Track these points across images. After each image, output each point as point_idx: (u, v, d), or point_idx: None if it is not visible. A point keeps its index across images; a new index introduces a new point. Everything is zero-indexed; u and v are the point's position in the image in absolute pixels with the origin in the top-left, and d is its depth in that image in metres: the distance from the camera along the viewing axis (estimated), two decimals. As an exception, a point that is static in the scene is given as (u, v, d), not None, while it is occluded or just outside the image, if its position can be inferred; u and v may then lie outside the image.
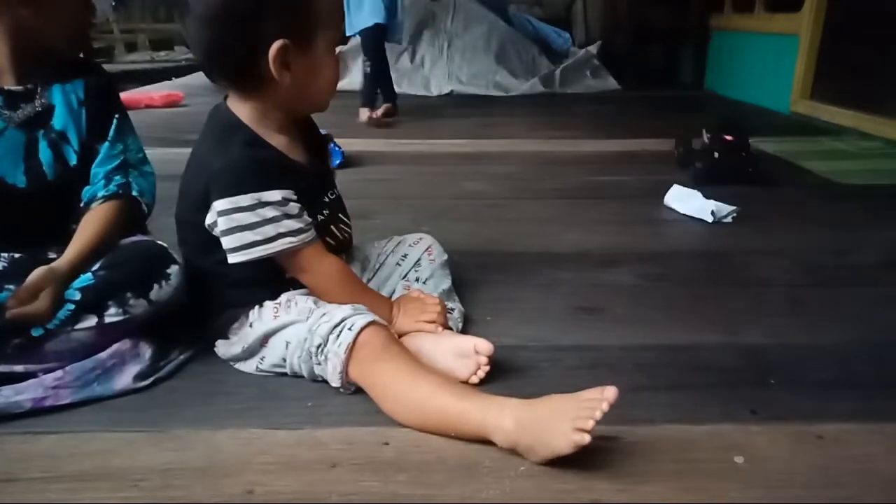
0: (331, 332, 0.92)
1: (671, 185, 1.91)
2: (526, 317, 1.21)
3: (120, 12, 9.33)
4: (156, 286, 1.02)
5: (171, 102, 3.91)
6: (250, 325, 1.01)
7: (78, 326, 0.96)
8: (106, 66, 1.22)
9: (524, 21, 5.28)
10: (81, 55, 1.26)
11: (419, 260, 1.21)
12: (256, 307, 1.02)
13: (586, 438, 0.75)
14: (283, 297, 1.02)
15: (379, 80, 3.24)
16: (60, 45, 1.08)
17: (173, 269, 1.05)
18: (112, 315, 0.98)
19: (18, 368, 0.94)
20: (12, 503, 0.76)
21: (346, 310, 0.94)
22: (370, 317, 0.93)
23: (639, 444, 0.84)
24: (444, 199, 2.02)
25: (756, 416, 0.91)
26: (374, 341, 0.91)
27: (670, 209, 1.86)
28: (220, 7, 0.92)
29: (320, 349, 0.93)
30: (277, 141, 1.02)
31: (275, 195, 0.96)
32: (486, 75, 4.63)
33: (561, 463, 0.79)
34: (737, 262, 1.51)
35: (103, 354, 0.98)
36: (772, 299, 1.31)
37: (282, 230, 0.97)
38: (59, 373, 0.94)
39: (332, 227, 1.09)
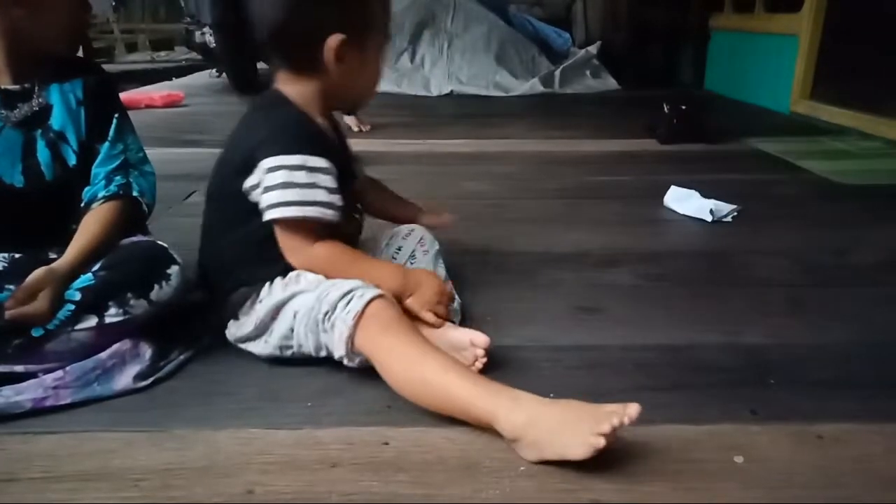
0: (340, 300, 0.93)
1: (670, 186, 1.91)
2: (526, 317, 1.21)
3: (120, 12, 9.34)
4: (156, 286, 1.02)
5: (172, 102, 3.90)
6: (260, 302, 1.02)
7: (78, 327, 0.96)
8: (106, 66, 1.22)
9: (524, 21, 5.28)
10: (80, 55, 1.26)
11: (413, 252, 1.21)
12: (267, 284, 1.03)
13: (601, 442, 0.75)
14: (292, 273, 1.03)
15: None
16: (56, 44, 1.08)
17: (173, 270, 1.05)
18: (112, 315, 0.98)
19: (19, 368, 0.94)
20: (12, 503, 0.76)
21: (355, 282, 0.96)
22: (379, 291, 0.95)
23: (639, 444, 0.84)
24: (444, 199, 2.01)
25: (756, 416, 0.91)
26: (383, 313, 0.92)
27: (670, 210, 1.86)
28: None
29: (327, 316, 0.94)
30: (320, 122, 1.07)
31: (319, 162, 1.00)
32: (485, 75, 4.62)
33: (561, 463, 0.79)
34: (737, 262, 1.51)
35: (103, 354, 0.98)
36: (772, 299, 1.31)
37: (319, 198, 0.99)
38: (59, 373, 0.94)
39: (348, 215, 1.11)
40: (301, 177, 0.98)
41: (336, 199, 1.01)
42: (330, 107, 1.10)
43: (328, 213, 1.00)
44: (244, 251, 1.04)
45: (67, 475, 0.80)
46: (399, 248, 1.22)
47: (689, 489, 0.77)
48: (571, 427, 0.78)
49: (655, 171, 2.32)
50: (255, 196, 1.00)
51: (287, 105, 1.04)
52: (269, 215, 0.99)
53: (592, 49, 4.96)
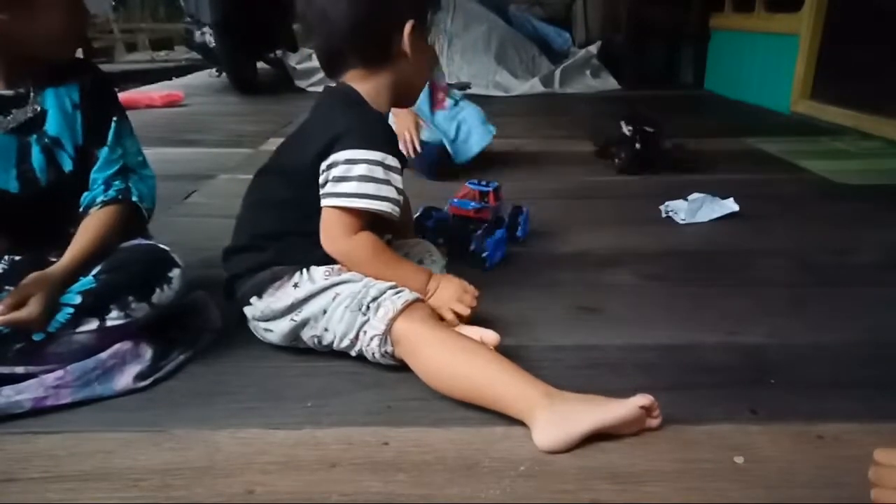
0: (390, 289, 1.00)
1: (671, 186, 1.90)
2: (526, 317, 1.21)
3: (120, 12, 9.34)
4: (157, 290, 1.02)
5: (171, 102, 3.90)
6: (295, 286, 1.03)
7: (79, 329, 0.96)
8: (106, 66, 1.22)
9: (524, 21, 5.27)
10: (80, 55, 1.24)
11: (421, 260, 1.22)
12: (303, 270, 1.04)
13: (646, 400, 0.84)
14: (335, 266, 1.05)
15: None
16: (54, 49, 1.05)
17: (175, 273, 1.05)
18: (113, 318, 0.98)
19: (19, 370, 0.94)
20: (12, 503, 0.76)
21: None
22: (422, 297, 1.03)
23: (639, 444, 0.84)
24: (444, 199, 2.01)
25: (756, 416, 0.91)
26: (427, 310, 1.00)
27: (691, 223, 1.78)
28: None
29: (375, 300, 0.98)
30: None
31: (395, 161, 1.05)
32: (485, 75, 4.62)
33: (561, 463, 0.79)
34: (737, 261, 1.51)
35: (103, 354, 0.97)
36: (772, 299, 1.31)
37: (390, 195, 1.04)
38: (59, 372, 0.94)
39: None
40: (379, 173, 1.02)
41: (401, 198, 1.07)
42: (395, 102, 1.12)
43: (395, 210, 1.05)
44: (300, 230, 1.06)
45: (67, 475, 0.80)
46: (405, 255, 1.22)
47: (689, 489, 0.77)
48: (604, 400, 0.86)
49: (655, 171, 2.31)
50: (325, 177, 1.03)
51: (364, 104, 1.07)
52: (339, 202, 1.02)
53: (592, 49, 4.95)
